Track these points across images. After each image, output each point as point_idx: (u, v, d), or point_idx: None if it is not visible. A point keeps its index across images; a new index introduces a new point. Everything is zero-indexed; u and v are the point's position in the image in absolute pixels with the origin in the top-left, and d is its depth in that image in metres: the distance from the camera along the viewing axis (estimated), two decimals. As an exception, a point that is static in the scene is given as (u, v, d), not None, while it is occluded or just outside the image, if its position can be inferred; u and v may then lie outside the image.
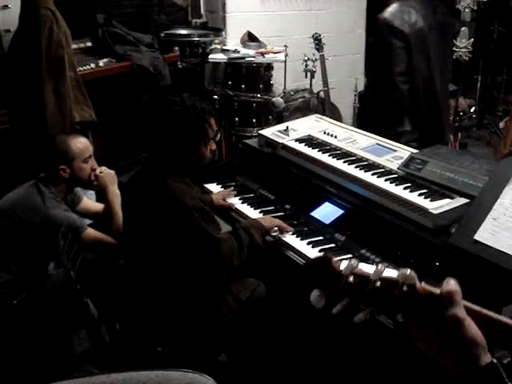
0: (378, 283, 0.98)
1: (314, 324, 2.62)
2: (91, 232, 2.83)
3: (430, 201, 2.28)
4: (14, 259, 2.74)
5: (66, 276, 2.44)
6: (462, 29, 4.59)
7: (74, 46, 3.97)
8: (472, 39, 4.59)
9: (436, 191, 2.35)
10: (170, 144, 2.38)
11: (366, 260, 2.31)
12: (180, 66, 5.06)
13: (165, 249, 2.33)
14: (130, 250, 2.55)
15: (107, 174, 3.02)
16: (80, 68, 3.98)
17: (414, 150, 2.67)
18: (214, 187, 3.05)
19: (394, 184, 2.44)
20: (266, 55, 5.34)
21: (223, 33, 5.58)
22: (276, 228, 2.56)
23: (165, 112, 2.38)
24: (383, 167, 2.60)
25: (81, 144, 2.90)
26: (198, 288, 2.39)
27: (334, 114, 5.14)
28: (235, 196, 2.94)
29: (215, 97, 5.21)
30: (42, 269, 2.86)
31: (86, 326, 2.56)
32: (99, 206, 3.16)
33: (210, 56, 5.29)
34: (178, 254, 2.32)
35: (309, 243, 2.46)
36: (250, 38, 5.63)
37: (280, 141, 2.96)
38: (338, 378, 2.56)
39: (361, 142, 2.88)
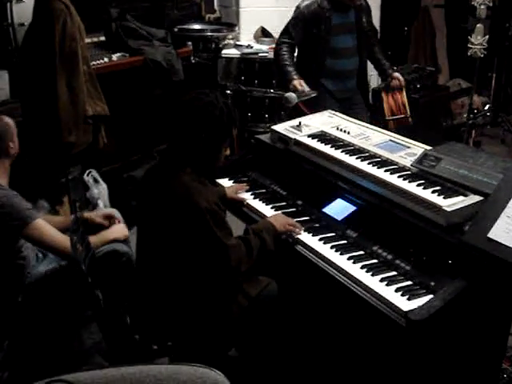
0: None
1: (325, 321, 2.61)
2: (41, 225, 2.69)
3: (444, 198, 2.26)
4: None
5: (78, 269, 2.45)
6: (477, 26, 4.55)
7: (88, 40, 3.98)
8: (487, 36, 4.55)
9: (449, 188, 2.33)
10: (197, 137, 2.35)
11: (378, 257, 2.30)
12: (193, 60, 5.06)
13: (176, 246, 2.32)
14: (143, 244, 2.55)
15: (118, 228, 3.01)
16: (93, 62, 3.99)
17: (428, 147, 2.65)
18: (226, 182, 3.04)
19: (407, 181, 2.42)
20: (279, 51, 5.32)
21: (236, 28, 5.57)
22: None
23: (199, 106, 2.35)
24: (396, 164, 2.58)
25: (11, 120, 2.91)
26: (208, 284, 2.38)
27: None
28: (247, 191, 2.93)
29: (228, 92, 5.21)
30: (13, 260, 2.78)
31: (96, 318, 2.57)
32: (58, 219, 3.08)
33: (223, 51, 5.30)
34: (188, 253, 2.31)
35: (320, 239, 2.45)
36: (264, 34, 5.62)
37: (292, 136, 2.95)
38: (348, 374, 2.56)
39: (374, 138, 2.86)
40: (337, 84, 4.19)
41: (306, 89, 3.91)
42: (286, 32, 4.19)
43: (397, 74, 4.26)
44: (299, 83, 3.95)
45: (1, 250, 2.72)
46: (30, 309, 2.75)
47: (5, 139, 2.82)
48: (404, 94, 4.24)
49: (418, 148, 2.68)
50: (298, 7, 4.16)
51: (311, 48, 4.16)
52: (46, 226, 2.70)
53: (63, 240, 2.67)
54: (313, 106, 3.79)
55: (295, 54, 4.26)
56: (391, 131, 3.54)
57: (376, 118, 4.35)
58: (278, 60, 4.20)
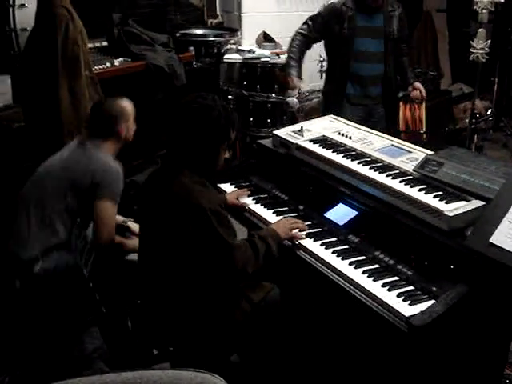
0: None
1: (327, 326, 2.61)
2: (111, 210, 2.82)
3: (446, 203, 2.25)
4: (64, 221, 2.81)
5: (79, 274, 2.45)
6: (479, 30, 4.54)
7: (90, 45, 3.99)
8: (489, 41, 4.54)
9: (451, 193, 2.32)
10: (194, 140, 2.35)
11: (380, 262, 2.29)
12: (195, 65, 5.06)
13: (179, 249, 2.31)
14: (144, 247, 2.54)
15: None
16: (95, 67, 4.00)
17: (430, 152, 2.65)
18: (227, 187, 3.04)
19: (408, 186, 2.41)
20: (281, 56, 5.34)
21: (239, 33, 5.59)
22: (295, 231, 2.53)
23: (196, 108, 2.35)
24: (398, 169, 2.58)
25: (130, 104, 3.06)
26: (211, 289, 2.37)
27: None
28: (249, 196, 2.92)
29: (230, 97, 5.21)
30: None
31: (97, 323, 2.56)
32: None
33: (226, 56, 5.31)
34: (192, 256, 2.30)
35: (322, 244, 2.44)
36: (266, 39, 5.63)
37: (294, 141, 2.95)
38: (350, 380, 2.55)
39: (375, 143, 2.86)
40: (355, 88, 4.11)
41: (300, 84, 4.00)
42: (304, 23, 4.16)
43: (418, 85, 4.17)
44: (295, 79, 4.02)
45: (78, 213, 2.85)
46: (29, 300, 2.76)
47: (117, 121, 2.96)
48: (423, 108, 4.13)
49: (420, 153, 2.68)
50: (324, 5, 4.13)
51: (336, 49, 4.11)
52: (113, 214, 2.84)
53: (112, 234, 2.81)
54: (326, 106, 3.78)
55: (306, 49, 4.23)
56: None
57: (388, 126, 4.22)
58: (288, 50, 4.21)
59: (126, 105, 3.03)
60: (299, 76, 4.09)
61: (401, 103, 4.16)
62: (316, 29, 4.10)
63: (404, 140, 3.94)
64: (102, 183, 2.79)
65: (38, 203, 2.82)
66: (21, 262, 2.75)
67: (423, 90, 4.13)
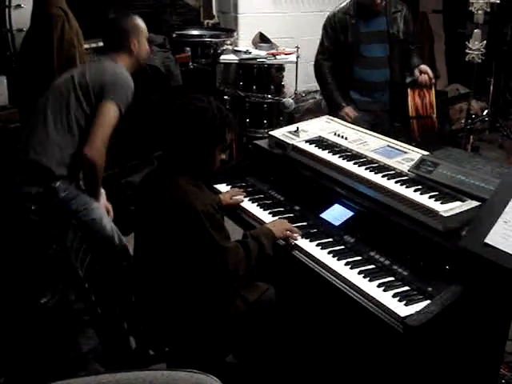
0: None
1: (323, 326, 2.61)
2: (114, 113, 2.84)
3: (441, 203, 2.25)
4: (81, 132, 2.85)
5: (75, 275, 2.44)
6: (475, 31, 4.57)
7: (86, 46, 3.99)
8: (485, 41, 4.56)
9: (447, 194, 2.33)
10: (189, 141, 2.35)
11: (375, 262, 2.29)
12: (191, 66, 5.07)
13: (173, 250, 2.32)
14: (140, 249, 2.54)
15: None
16: (92, 67, 3.99)
17: (425, 153, 2.65)
18: (223, 188, 3.04)
19: (404, 186, 2.42)
20: (277, 56, 5.35)
21: (235, 33, 5.59)
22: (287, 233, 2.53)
23: (191, 109, 2.35)
24: (394, 169, 2.58)
25: (142, 23, 3.11)
26: (206, 289, 2.38)
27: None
28: (245, 197, 2.92)
29: (226, 97, 5.21)
30: None
31: (93, 324, 2.56)
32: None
33: (222, 57, 5.31)
34: (185, 257, 2.31)
35: (318, 245, 2.45)
36: (262, 39, 5.63)
37: (290, 142, 2.95)
38: (345, 381, 2.55)
39: (371, 143, 2.86)
40: (362, 95, 4.07)
41: (356, 114, 3.89)
42: (321, 45, 4.11)
43: (425, 67, 3.99)
44: (350, 111, 3.93)
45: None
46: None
47: (128, 35, 3.02)
48: (433, 92, 3.98)
49: (416, 153, 2.68)
50: (328, 16, 4.08)
51: (341, 57, 4.05)
52: (113, 119, 2.85)
53: (104, 142, 2.81)
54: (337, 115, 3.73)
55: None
56: (414, 136, 3.46)
57: (395, 116, 4.15)
58: (322, 82, 4.14)
59: (139, 22, 3.10)
60: (349, 105, 4.02)
61: (409, 89, 3.99)
62: (331, 42, 4.04)
63: (416, 126, 3.92)
64: (110, 86, 2.84)
65: (55, 107, 2.87)
66: (41, 168, 2.78)
67: (430, 73, 3.97)
